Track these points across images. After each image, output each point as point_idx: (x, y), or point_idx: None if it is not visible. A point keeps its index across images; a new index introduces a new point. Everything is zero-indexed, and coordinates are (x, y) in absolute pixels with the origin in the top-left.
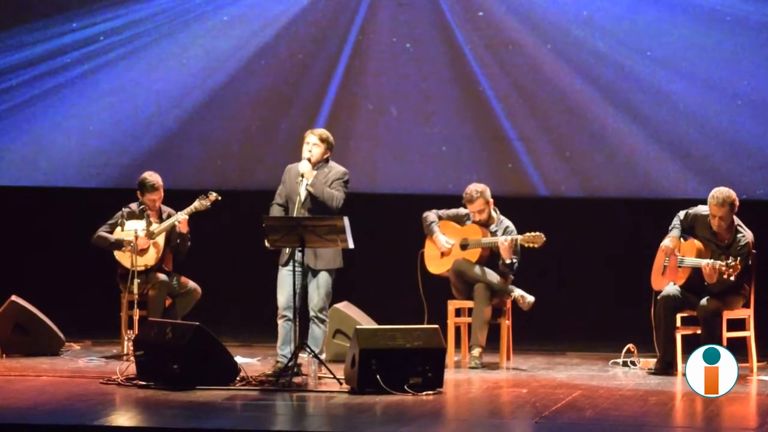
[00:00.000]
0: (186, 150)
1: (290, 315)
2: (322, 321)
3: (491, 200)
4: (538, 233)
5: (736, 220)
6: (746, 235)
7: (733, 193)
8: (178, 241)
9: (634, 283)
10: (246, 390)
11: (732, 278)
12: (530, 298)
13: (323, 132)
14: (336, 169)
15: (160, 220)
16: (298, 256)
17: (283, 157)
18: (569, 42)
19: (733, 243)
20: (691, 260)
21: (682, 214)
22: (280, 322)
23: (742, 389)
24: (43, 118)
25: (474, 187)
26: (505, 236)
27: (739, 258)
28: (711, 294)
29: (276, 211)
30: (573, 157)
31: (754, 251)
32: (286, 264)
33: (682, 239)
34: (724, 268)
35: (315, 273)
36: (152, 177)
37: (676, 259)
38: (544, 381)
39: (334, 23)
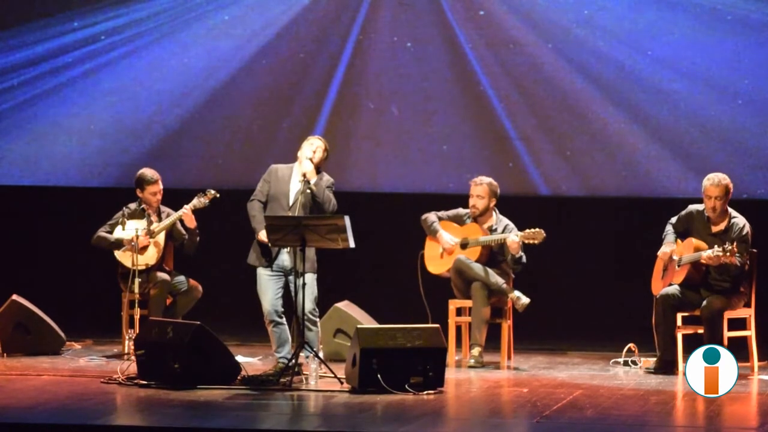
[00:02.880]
0: (187, 149)
1: (278, 319)
2: (314, 323)
3: (495, 200)
4: (537, 229)
5: (730, 210)
6: (742, 219)
7: (727, 177)
8: (186, 237)
9: (635, 282)
10: (247, 389)
11: (731, 261)
12: (525, 300)
13: (327, 143)
14: (326, 177)
15: (159, 219)
16: (279, 260)
17: (283, 156)
18: (570, 41)
19: (729, 229)
20: (689, 256)
21: (674, 219)
22: (269, 327)
23: (743, 389)
24: (45, 117)
25: (485, 177)
26: (507, 233)
27: (735, 242)
28: (712, 291)
29: (257, 207)
30: (574, 157)
31: (754, 250)
32: (269, 266)
33: (678, 241)
34: (720, 254)
35: (303, 276)
36: (150, 170)
37: (674, 264)
38: (544, 380)
39: (335, 23)
